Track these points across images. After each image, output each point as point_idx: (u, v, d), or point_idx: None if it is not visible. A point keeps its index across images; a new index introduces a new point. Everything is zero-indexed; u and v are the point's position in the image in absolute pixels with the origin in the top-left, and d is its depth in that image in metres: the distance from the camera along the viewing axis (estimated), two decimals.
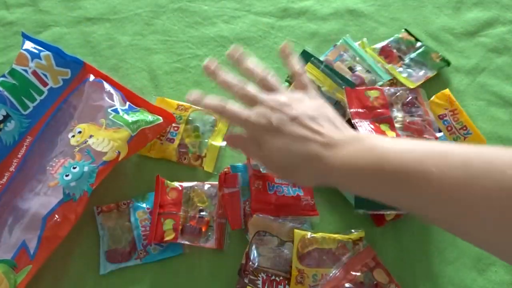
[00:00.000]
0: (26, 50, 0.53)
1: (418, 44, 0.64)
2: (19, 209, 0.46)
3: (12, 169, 0.49)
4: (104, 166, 0.48)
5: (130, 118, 0.51)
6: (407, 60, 0.62)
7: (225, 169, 0.52)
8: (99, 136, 0.50)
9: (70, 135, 0.51)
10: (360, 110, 0.54)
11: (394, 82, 0.60)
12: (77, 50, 0.65)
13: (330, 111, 0.43)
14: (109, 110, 0.51)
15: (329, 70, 0.58)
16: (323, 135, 0.40)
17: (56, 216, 0.46)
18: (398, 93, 0.57)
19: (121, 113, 0.51)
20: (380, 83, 0.59)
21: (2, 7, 0.69)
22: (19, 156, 0.50)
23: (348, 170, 0.37)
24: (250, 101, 0.44)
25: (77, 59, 0.54)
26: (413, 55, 0.63)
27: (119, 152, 0.49)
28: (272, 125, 0.41)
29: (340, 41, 0.63)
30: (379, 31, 0.68)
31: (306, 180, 0.42)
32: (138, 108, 0.54)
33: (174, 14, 0.69)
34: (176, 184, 0.53)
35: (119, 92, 0.54)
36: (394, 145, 0.36)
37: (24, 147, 0.50)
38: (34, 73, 0.52)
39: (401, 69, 0.62)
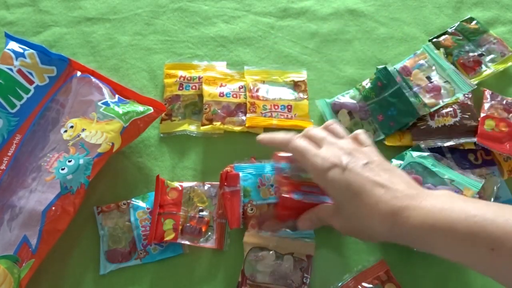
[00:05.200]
0: (10, 49, 0.53)
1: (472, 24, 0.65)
2: (14, 206, 0.46)
3: (3, 167, 0.49)
4: (99, 158, 0.49)
5: (121, 109, 0.52)
6: (479, 52, 0.62)
7: (227, 168, 0.52)
8: (91, 129, 0.50)
9: (62, 130, 0.51)
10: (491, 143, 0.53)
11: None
12: (77, 50, 0.65)
13: (399, 170, 0.44)
14: (99, 103, 0.52)
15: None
16: (397, 189, 0.40)
17: (55, 209, 0.46)
18: None
19: (111, 105, 0.52)
20: (459, 95, 0.57)
21: (2, 7, 0.69)
22: (9, 154, 0.50)
23: (426, 228, 0.37)
24: (318, 142, 0.45)
25: (62, 56, 0.54)
26: (474, 44, 0.63)
27: (113, 144, 0.50)
28: (342, 165, 0.41)
29: (421, 49, 0.62)
30: (379, 31, 0.68)
31: (379, 231, 0.41)
32: (128, 100, 0.54)
33: (174, 14, 0.69)
34: (176, 184, 0.53)
35: (107, 85, 0.54)
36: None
37: (14, 145, 0.50)
38: (20, 71, 0.52)
39: (483, 67, 0.61)
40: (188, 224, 0.50)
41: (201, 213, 0.51)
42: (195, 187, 0.53)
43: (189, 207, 0.51)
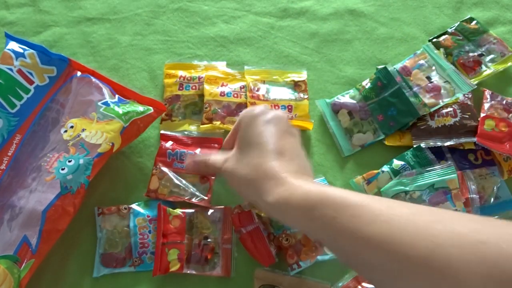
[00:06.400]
0: (10, 49, 0.53)
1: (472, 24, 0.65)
2: (14, 206, 0.46)
3: (2, 167, 0.49)
4: (99, 158, 0.49)
5: (121, 109, 0.52)
6: (479, 52, 0.62)
7: (235, 210, 0.49)
8: (91, 129, 0.50)
9: (62, 130, 0.51)
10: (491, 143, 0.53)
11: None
12: (77, 50, 0.65)
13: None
14: (99, 103, 0.52)
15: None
16: (287, 166, 0.42)
17: (55, 209, 0.46)
18: None
19: (111, 105, 0.52)
20: (459, 95, 0.57)
21: (2, 7, 0.69)
22: (9, 154, 0.50)
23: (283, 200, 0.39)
24: None
25: (62, 56, 0.54)
26: (474, 44, 0.63)
27: (113, 144, 0.50)
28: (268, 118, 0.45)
29: (421, 49, 0.62)
30: (379, 31, 0.68)
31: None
32: (128, 100, 0.54)
33: (174, 14, 0.69)
34: (179, 211, 0.51)
35: (108, 85, 0.54)
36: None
37: (14, 145, 0.50)
38: (20, 71, 0.52)
39: (483, 67, 0.61)
40: (193, 253, 0.49)
41: (205, 240, 0.50)
42: (198, 213, 0.51)
43: (193, 234, 0.50)
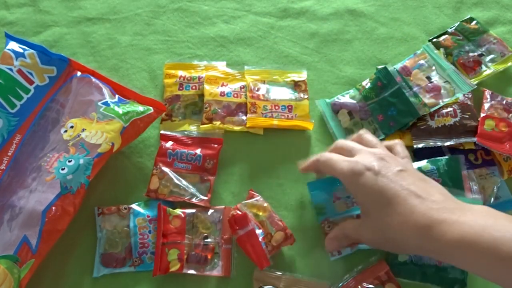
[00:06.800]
0: (10, 49, 0.53)
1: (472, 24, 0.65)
2: (14, 206, 0.46)
3: (2, 167, 0.49)
4: (99, 158, 0.49)
5: (121, 110, 0.52)
6: (479, 52, 0.62)
7: (232, 212, 0.49)
8: (91, 129, 0.50)
9: (62, 130, 0.51)
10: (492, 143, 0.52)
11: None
12: (77, 50, 0.65)
13: (434, 181, 0.42)
14: (99, 103, 0.52)
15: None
16: (433, 200, 0.38)
17: (55, 209, 0.46)
18: None
19: (111, 105, 0.52)
20: (459, 95, 0.57)
21: (2, 7, 0.69)
22: (9, 154, 0.50)
23: (465, 245, 0.35)
24: (349, 151, 0.44)
25: (62, 56, 0.54)
26: (474, 44, 0.63)
27: (113, 144, 0.50)
28: (374, 169, 0.40)
29: (421, 49, 0.62)
30: (379, 31, 0.68)
31: (406, 242, 0.39)
32: (128, 100, 0.54)
33: (174, 14, 0.69)
34: (179, 211, 0.51)
35: (108, 85, 0.54)
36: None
37: (14, 145, 0.50)
38: (20, 71, 0.52)
39: (483, 67, 0.61)
40: (193, 253, 0.49)
41: (205, 240, 0.50)
42: (198, 213, 0.51)
43: (193, 234, 0.50)
